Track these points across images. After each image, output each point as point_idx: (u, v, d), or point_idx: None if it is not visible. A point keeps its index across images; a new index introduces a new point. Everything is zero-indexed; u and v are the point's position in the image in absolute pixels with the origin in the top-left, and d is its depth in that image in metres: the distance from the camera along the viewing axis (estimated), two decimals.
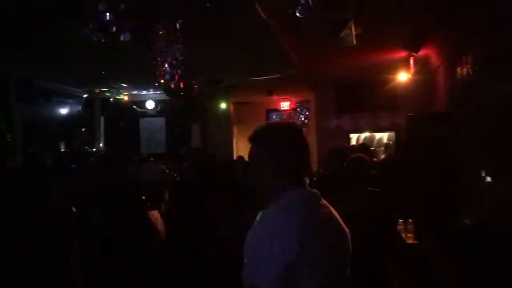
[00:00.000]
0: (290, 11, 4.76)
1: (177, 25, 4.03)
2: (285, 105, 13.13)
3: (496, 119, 4.19)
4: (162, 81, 4.43)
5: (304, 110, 12.40)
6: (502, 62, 4.09)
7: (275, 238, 1.55)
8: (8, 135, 8.17)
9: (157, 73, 4.31)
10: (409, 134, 5.72)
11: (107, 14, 2.54)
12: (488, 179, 4.56)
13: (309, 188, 1.71)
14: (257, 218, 1.74)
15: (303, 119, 12.40)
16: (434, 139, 5.14)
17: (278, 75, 9.01)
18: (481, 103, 4.65)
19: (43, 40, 5.81)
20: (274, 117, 14.03)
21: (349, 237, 1.70)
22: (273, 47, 6.72)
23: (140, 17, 3.26)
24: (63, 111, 10.49)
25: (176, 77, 4.32)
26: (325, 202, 1.72)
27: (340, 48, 6.52)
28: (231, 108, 12.69)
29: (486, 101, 4.50)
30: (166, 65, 4.17)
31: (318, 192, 1.72)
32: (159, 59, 4.15)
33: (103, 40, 2.71)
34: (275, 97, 12.55)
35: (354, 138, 11.45)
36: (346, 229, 1.70)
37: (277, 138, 1.72)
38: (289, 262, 1.49)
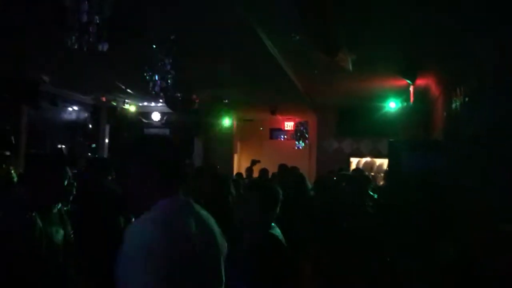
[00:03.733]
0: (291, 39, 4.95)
1: (169, 39, 4.18)
2: (289, 124, 13.23)
3: (479, 150, 4.25)
4: (153, 92, 4.56)
5: (303, 131, 12.49)
6: (489, 94, 4.16)
7: (142, 248, 1.57)
8: (13, 137, 8.34)
9: (150, 84, 4.45)
10: (390, 160, 5.77)
11: (87, 25, 2.70)
12: (473, 208, 4.59)
13: (181, 197, 1.76)
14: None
15: (301, 140, 12.48)
16: (417, 168, 5.19)
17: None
18: (468, 134, 4.71)
19: (50, 46, 6.00)
20: (281, 136, 14.15)
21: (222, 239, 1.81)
22: (275, 71, 6.86)
23: (124, 28, 3.42)
24: (69, 116, 10.70)
25: (166, 89, 4.45)
26: (198, 207, 1.80)
27: (338, 74, 6.64)
28: (234, 125, 12.83)
29: (472, 132, 4.55)
30: (157, 77, 4.31)
31: (189, 200, 1.79)
32: (149, 70, 4.29)
33: (84, 48, 2.87)
34: (279, 117, 12.68)
35: (354, 162, 11.51)
36: (218, 232, 1.82)
37: (146, 150, 1.79)
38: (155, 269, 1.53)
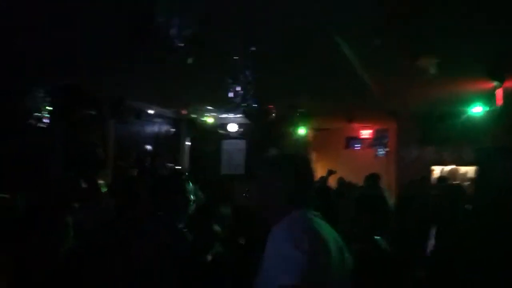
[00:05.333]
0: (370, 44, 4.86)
1: (249, 50, 4.27)
2: (365, 133, 12.94)
3: None
4: (234, 103, 4.67)
5: (383, 139, 12.14)
6: None
7: (281, 257, 1.75)
8: (101, 150, 8.85)
9: (229, 95, 4.57)
10: (478, 169, 5.41)
11: (176, 39, 2.84)
12: None
13: (310, 210, 1.95)
14: (271, 233, 1.92)
15: (381, 148, 12.14)
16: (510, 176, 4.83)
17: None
18: None
19: (134, 62, 6.36)
20: (358, 145, 13.86)
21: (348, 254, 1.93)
22: (352, 77, 6.77)
23: (210, 41, 3.54)
24: (152, 129, 11.23)
25: (248, 100, 4.54)
26: (323, 222, 1.94)
27: (420, 78, 6.40)
28: (310, 134, 12.76)
29: None
30: (238, 88, 4.41)
31: (318, 213, 1.96)
32: (230, 81, 4.41)
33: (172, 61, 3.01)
34: (356, 125, 12.45)
35: (437, 170, 10.99)
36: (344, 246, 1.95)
37: (289, 167, 1.98)
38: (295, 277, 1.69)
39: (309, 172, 2.03)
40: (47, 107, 5.54)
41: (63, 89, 7.41)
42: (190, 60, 2.96)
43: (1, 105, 6.57)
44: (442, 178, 7.92)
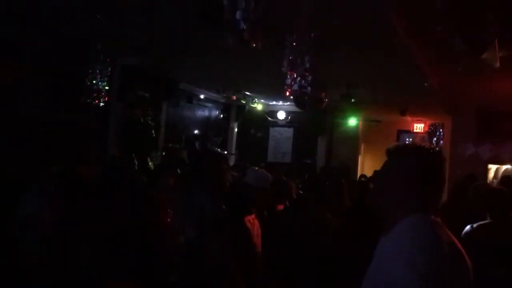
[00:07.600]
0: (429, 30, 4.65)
1: (309, 37, 4.18)
2: (418, 127, 12.56)
3: None
4: (290, 91, 4.59)
5: (438, 134, 11.73)
6: None
7: (398, 269, 1.47)
8: (153, 131, 9.02)
9: (286, 82, 4.49)
10: None
11: (242, 22, 2.80)
12: None
13: (432, 217, 1.62)
14: (379, 243, 1.68)
15: (435, 143, 11.74)
16: None
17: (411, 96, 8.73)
18: None
19: (189, 46, 6.41)
20: (406, 139, 13.50)
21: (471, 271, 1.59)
22: (409, 68, 6.55)
23: (272, 27, 3.49)
24: (202, 113, 11.37)
25: (304, 87, 4.46)
26: (449, 232, 1.61)
27: (482, 71, 6.11)
28: (360, 125, 12.53)
29: None
30: (295, 75, 4.33)
31: (440, 221, 1.62)
32: (287, 68, 4.32)
33: (236, 45, 2.99)
34: (409, 118, 12.09)
35: (492, 169, 10.53)
36: (469, 263, 1.59)
37: (417, 160, 1.66)
38: None
39: (443, 174, 1.67)
40: (106, 87, 5.68)
41: (123, 69, 7.57)
42: (259, 44, 2.91)
43: (64, 84, 6.82)
44: (506, 178, 7.25)
